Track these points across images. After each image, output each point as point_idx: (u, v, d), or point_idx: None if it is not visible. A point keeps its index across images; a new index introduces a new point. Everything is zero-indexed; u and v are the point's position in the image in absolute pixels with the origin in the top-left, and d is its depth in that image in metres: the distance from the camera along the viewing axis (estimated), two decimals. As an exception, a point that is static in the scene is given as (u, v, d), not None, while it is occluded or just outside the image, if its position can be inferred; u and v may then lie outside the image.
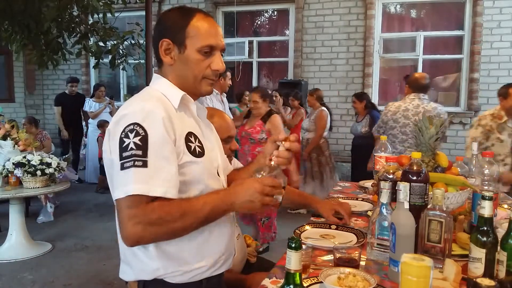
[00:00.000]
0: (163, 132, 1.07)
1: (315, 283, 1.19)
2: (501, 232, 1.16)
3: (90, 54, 5.34)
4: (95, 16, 4.95)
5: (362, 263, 1.34)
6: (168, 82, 1.20)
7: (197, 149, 1.17)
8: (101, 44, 5.21)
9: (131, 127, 1.05)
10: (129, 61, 5.42)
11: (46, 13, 4.64)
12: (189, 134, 1.16)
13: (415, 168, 1.35)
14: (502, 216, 1.67)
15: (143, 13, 5.00)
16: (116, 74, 7.79)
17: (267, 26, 7.35)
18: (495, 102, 5.92)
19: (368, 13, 6.38)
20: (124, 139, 1.04)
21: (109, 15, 4.96)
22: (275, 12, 7.23)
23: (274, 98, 6.31)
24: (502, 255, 1.06)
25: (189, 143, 1.15)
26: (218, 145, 1.37)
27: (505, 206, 1.87)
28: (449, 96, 6.41)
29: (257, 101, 3.82)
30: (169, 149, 1.07)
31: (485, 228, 1.07)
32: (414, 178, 1.33)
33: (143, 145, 1.03)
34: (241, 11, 7.14)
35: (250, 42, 7.00)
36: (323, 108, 5.08)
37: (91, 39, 5.23)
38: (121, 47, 5.17)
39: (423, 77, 3.55)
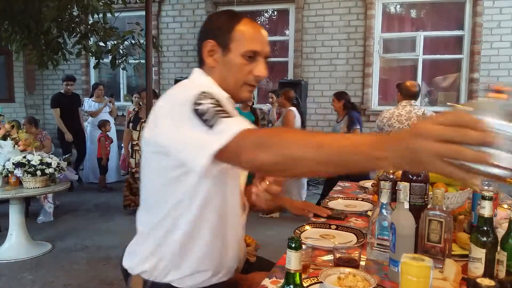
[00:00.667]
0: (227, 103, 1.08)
1: (315, 283, 1.19)
2: (501, 232, 1.16)
3: (90, 54, 5.34)
4: (95, 16, 4.95)
5: (362, 263, 1.34)
6: (213, 81, 1.20)
7: None
8: (101, 44, 5.21)
9: (201, 96, 1.02)
10: (129, 61, 5.42)
11: (46, 13, 4.64)
12: None
13: (415, 168, 1.34)
14: (502, 216, 1.67)
15: (143, 13, 4.99)
16: (116, 74, 7.79)
17: (267, 26, 7.35)
18: (495, 102, 5.95)
19: (368, 13, 6.38)
20: (198, 107, 0.99)
21: (109, 15, 4.96)
22: (275, 12, 7.23)
23: (270, 99, 6.31)
24: (502, 255, 1.06)
25: None
26: None
27: (505, 206, 1.87)
28: (449, 96, 6.41)
29: None
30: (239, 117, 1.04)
31: (485, 228, 1.07)
32: (414, 178, 1.33)
33: (220, 105, 1.00)
34: (241, 11, 7.13)
35: (250, 42, 7.00)
36: (291, 108, 5.05)
37: (91, 39, 5.23)
38: (121, 47, 5.16)
39: (414, 85, 3.93)
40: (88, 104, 6.66)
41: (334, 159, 0.80)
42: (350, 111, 4.85)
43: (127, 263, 1.28)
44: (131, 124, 5.19)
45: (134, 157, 5.16)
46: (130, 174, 5.16)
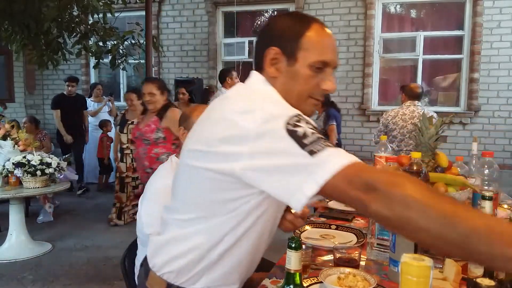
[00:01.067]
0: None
1: (315, 283, 1.19)
2: (501, 232, 1.16)
3: (90, 54, 5.34)
4: (95, 16, 4.96)
5: (362, 263, 1.34)
6: (278, 94, 1.06)
7: None
8: (101, 44, 5.21)
9: (296, 118, 0.89)
10: (129, 61, 5.42)
11: (46, 13, 4.64)
12: None
13: (415, 168, 1.35)
14: (502, 216, 1.67)
15: (143, 13, 5.01)
16: (116, 74, 7.79)
17: (267, 26, 7.35)
18: (495, 102, 5.96)
19: (368, 13, 6.38)
20: (295, 129, 0.87)
21: (109, 15, 4.96)
22: (275, 12, 7.23)
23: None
24: (502, 255, 1.06)
25: None
26: None
27: (505, 206, 1.87)
28: (449, 96, 6.41)
29: (153, 93, 3.31)
30: None
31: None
32: (414, 178, 1.33)
33: (318, 130, 0.89)
34: (241, 11, 7.14)
35: (250, 42, 7.00)
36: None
37: (91, 39, 5.23)
38: (121, 47, 5.17)
39: (417, 87, 4.27)
40: (88, 104, 6.66)
41: (461, 243, 0.69)
42: (329, 108, 5.11)
43: (152, 260, 1.19)
44: (118, 127, 4.96)
45: (124, 161, 4.76)
46: (119, 179, 4.75)
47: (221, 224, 1.05)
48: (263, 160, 0.88)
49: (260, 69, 1.10)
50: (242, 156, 0.90)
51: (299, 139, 0.85)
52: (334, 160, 0.82)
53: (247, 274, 1.20)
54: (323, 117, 5.13)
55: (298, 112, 0.92)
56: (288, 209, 1.19)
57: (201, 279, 1.12)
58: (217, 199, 1.02)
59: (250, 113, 0.92)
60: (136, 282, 1.30)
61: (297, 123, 0.88)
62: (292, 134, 0.86)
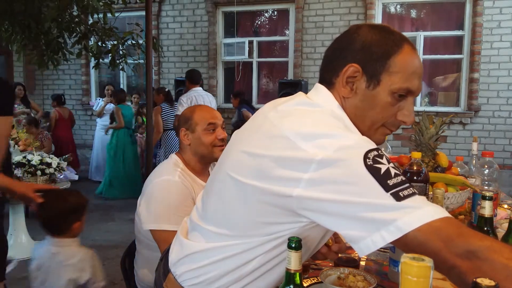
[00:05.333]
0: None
1: (315, 283, 1.19)
2: (501, 232, 1.16)
3: (91, 54, 5.34)
4: (95, 16, 4.96)
5: (362, 263, 1.34)
6: (347, 117, 0.94)
7: None
8: (101, 44, 5.21)
9: (375, 152, 0.78)
10: (129, 61, 5.42)
11: (46, 13, 4.64)
12: None
13: (415, 168, 1.35)
14: (502, 216, 1.67)
15: (143, 13, 5.00)
16: (116, 74, 7.80)
17: (267, 26, 7.35)
18: (495, 102, 5.96)
19: (368, 13, 6.38)
20: (376, 165, 0.76)
21: (109, 15, 4.96)
22: (275, 12, 7.23)
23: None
24: (502, 255, 1.06)
25: None
26: None
27: (505, 206, 1.87)
28: (449, 96, 6.41)
29: None
30: None
31: (485, 228, 1.07)
32: (414, 178, 1.33)
33: (400, 171, 0.80)
34: (241, 11, 7.14)
35: (250, 42, 7.00)
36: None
37: (91, 39, 5.24)
38: (120, 47, 5.17)
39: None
40: (97, 103, 6.76)
41: None
42: (242, 106, 5.69)
43: (175, 264, 1.09)
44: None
45: None
46: None
47: (255, 246, 0.94)
48: (330, 189, 0.77)
49: (328, 83, 0.96)
50: (301, 182, 0.79)
51: (382, 179, 0.75)
52: (427, 209, 0.73)
53: None
54: (237, 114, 5.73)
55: (375, 146, 0.80)
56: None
57: None
58: (258, 221, 0.91)
59: (319, 139, 0.80)
60: (154, 274, 1.25)
61: (378, 159, 0.77)
62: (373, 171, 0.75)
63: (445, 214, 0.75)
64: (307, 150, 0.80)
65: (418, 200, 0.75)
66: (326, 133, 0.81)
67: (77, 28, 5.05)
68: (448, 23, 6.32)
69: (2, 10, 4.57)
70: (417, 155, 1.37)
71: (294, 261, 0.84)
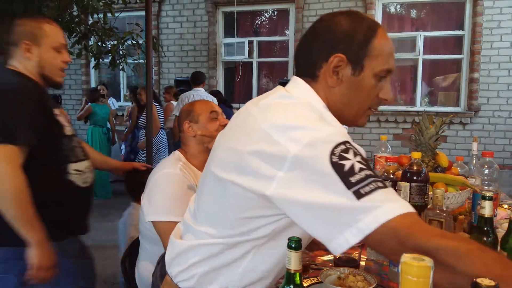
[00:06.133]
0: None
1: (315, 283, 1.19)
2: (501, 232, 1.16)
3: (91, 54, 5.34)
4: (95, 16, 4.96)
5: (362, 263, 1.34)
6: (327, 108, 0.96)
7: None
8: (100, 44, 5.21)
9: (343, 146, 0.78)
10: (128, 61, 5.42)
11: (46, 13, 4.64)
12: None
13: (415, 168, 1.35)
14: (502, 216, 1.67)
15: (143, 13, 5.00)
16: (116, 74, 7.80)
17: (267, 26, 7.36)
18: (495, 102, 5.96)
19: (368, 13, 6.38)
20: (341, 162, 0.76)
21: (109, 15, 4.96)
22: (275, 12, 7.23)
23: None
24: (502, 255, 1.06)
25: None
26: None
27: (505, 206, 1.87)
28: (449, 96, 6.41)
29: None
30: None
31: (485, 228, 1.07)
32: (414, 178, 1.33)
33: (368, 164, 0.79)
34: (241, 11, 7.15)
35: (250, 42, 7.00)
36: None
37: (91, 39, 5.24)
38: (120, 47, 5.17)
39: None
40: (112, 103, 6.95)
41: None
42: (220, 105, 5.68)
43: (170, 265, 1.11)
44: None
45: None
46: None
47: (244, 241, 0.96)
48: (300, 191, 0.78)
49: (311, 76, 0.97)
50: (275, 179, 0.81)
51: (345, 176, 0.75)
52: (385, 207, 0.73)
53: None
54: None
55: (347, 139, 0.81)
56: None
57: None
58: (242, 216, 0.92)
59: (292, 131, 0.82)
60: (151, 278, 1.26)
61: (344, 154, 0.77)
62: (337, 168, 0.76)
63: (404, 210, 0.74)
64: (280, 143, 0.81)
65: (379, 196, 0.74)
66: (299, 125, 0.83)
67: (77, 28, 5.05)
68: (448, 23, 6.32)
69: (2, 10, 4.57)
70: (417, 155, 1.37)
71: (294, 261, 0.84)
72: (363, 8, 6.41)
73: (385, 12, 6.54)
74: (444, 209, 1.25)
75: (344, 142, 0.79)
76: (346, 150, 0.78)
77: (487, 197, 1.07)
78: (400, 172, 1.46)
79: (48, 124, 1.48)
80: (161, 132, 5.66)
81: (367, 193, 0.74)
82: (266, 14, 7.31)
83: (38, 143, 1.43)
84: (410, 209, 0.74)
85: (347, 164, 0.76)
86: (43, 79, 1.56)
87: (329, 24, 0.97)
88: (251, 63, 7.15)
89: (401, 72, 6.72)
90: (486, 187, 1.60)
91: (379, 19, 6.45)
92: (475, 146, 1.95)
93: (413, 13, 6.63)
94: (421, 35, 6.27)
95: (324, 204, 0.76)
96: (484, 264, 0.67)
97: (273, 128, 0.84)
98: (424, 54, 6.31)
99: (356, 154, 0.79)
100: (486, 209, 1.07)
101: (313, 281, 1.19)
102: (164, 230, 1.50)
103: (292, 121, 0.85)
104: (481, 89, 6.01)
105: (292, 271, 0.85)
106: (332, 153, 0.77)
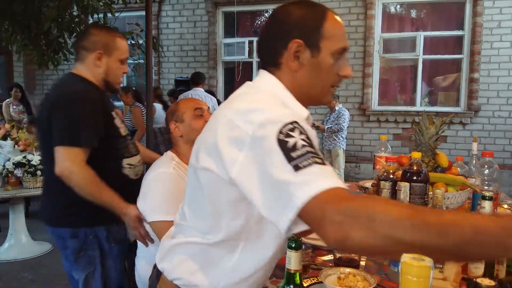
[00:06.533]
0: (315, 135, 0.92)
1: (315, 283, 1.19)
2: (501, 232, 1.16)
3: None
4: (95, 16, 4.96)
5: (362, 263, 1.34)
6: (291, 94, 1.02)
7: None
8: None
9: (290, 126, 0.84)
10: (129, 61, 5.42)
11: (46, 13, 4.64)
12: None
13: (415, 168, 1.35)
14: (502, 216, 1.67)
15: (143, 13, 5.00)
16: (116, 74, 7.80)
17: (267, 26, 7.36)
18: (495, 102, 5.96)
19: (368, 13, 6.38)
20: (286, 139, 0.81)
21: (109, 15, 4.96)
22: (275, 12, 7.23)
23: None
24: (502, 255, 1.06)
25: None
26: None
27: (505, 206, 1.87)
28: (449, 96, 6.41)
29: None
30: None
31: (485, 228, 1.07)
32: (414, 178, 1.33)
33: (311, 143, 0.83)
34: (241, 11, 7.15)
35: (250, 42, 7.00)
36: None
37: (91, 39, 5.24)
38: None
39: None
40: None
41: (453, 251, 0.65)
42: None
43: (160, 264, 1.14)
44: None
45: None
46: None
47: (228, 237, 0.99)
48: (254, 170, 0.83)
49: (275, 65, 1.03)
50: (237, 161, 0.86)
51: (288, 151, 0.79)
52: (316, 182, 0.75)
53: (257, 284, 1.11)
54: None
55: (295, 119, 0.86)
56: None
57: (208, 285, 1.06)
58: (218, 206, 0.97)
59: (249, 114, 0.88)
60: (148, 282, 1.28)
61: (290, 132, 0.82)
62: (282, 144, 0.81)
63: (335, 184, 0.76)
64: (240, 127, 0.87)
65: (314, 170, 0.77)
66: (256, 109, 0.89)
67: (77, 28, 5.05)
68: (448, 23, 6.32)
69: (2, 10, 4.57)
70: (417, 155, 1.37)
71: (294, 261, 0.84)
72: (363, 8, 6.41)
73: (385, 12, 6.54)
74: (444, 209, 1.25)
75: (292, 122, 0.85)
76: (292, 129, 0.83)
77: (487, 197, 1.07)
78: (400, 172, 1.46)
79: (107, 127, 1.70)
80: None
81: (304, 167, 0.77)
82: (266, 14, 7.31)
83: (99, 144, 1.65)
84: (340, 184, 0.76)
85: (291, 141, 0.81)
86: (105, 84, 1.78)
87: (282, 14, 1.03)
88: (251, 63, 7.15)
89: (401, 72, 6.72)
90: (486, 187, 1.60)
91: (379, 19, 6.46)
92: (475, 146, 1.95)
93: (413, 13, 6.63)
94: (421, 35, 6.28)
95: (270, 180, 0.80)
96: (390, 212, 0.69)
97: (234, 114, 0.91)
98: (424, 54, 6.31)
99: (301, 133, 0.83)
100: (486, 209, 1.07)
101: (313, 281, 1.19)
102: (161, 229, 1.49)
103: (250, 106, 0.92)
104: (481, 89, 6.02)
105: (292, 271, 0.85)
106: (280, 132, 0.82)
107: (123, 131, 1.81)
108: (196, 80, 5.22)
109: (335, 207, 0.72)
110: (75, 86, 1.71)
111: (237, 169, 0.86)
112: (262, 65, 1.07)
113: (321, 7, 1.04)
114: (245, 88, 1.04)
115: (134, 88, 5.85)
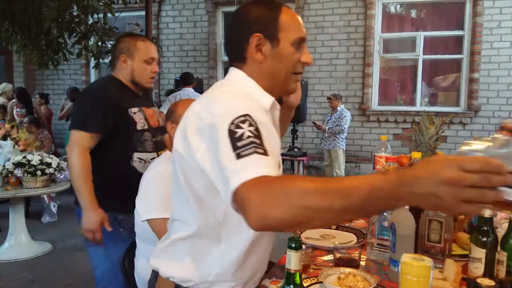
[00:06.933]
0: (272, 125, 0.99)
1: (315, 283, 1.19)
2: (501, 232, 1.16)
3: (91, 54, 5.34)
4: (95, 16, 4.96)
5: (362, 263, 1.34)
6: (256, 84, 1.12)
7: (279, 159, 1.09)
8: (101, 44, 5.22)
9: (242, 118, 0.92)
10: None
11: (46, 13, 4.64)
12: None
13: (415, 168, 1.34)
14: (502, 216, 1.67)
15: (143, 13, 5.02)
16: (116, 74, 7.80)
17: (267, 26, 7.36)
18: (495, 102, 5.96)
19: (368, 13, 6.38)
20: (236, 129, 0.89)
21: (109, 15, 4.97)
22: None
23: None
24: (502, 255, 1.06)
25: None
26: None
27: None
28: (449, 96, 6.41)
29: None
30: (276, 144, 0.99)
31: (485, 228, 1.08)
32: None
33: (259, 135, 0.90)
34: (241, 11, 7.14)
35: (250, 42, 7.00)
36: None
37: (91, 39, 5.24)
38: (121, 47, 5.17)
39: None
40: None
41: (356, 208, 0.75)
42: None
43: (155, 263, 1.20)
44: None
45: None
46: None
47: (211, 227, 1.08)
48: (209, 155, 0.94)
49: (241, 60, 1.12)
50: (200, 148, 0.97)
51: (234, 141, 0.87)
52: (249, 170, 0.82)
53: (257, 271, 1.18)
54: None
55: (248, 113, 0.93)
56: None
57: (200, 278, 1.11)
58: (193, 192, 1.06)
59: (211, 107, 0.98)
60: (147, 285, 1.30)
61: (241, 124, 0.90)
62: (231, 134, 0.89)
63: (260, 172, 0.81)
64: (204, 117, 0.98)
65: (252, 160, 0.83)
66: (217, 100, 1.01)
67: (77, 28, 5.05)
68: (448, 23, 6.32)
69: (2, 10, 4.57)
70: (417, 155, 1.37)
71: (294, 261, 0.84)
72: (363, 8, 6.41)
73: (385, 12, 6.54)
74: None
75: (244, 115, 0.92)
76: (243, 121, 0.91)
77: (487, 197, 1.06)
78: (400, 172, 1.46)
79: (119, 120, 1.86)
80: None
81: (245, 156, 0.84)
82: (266, 14, 7.31)
83: (111, 133, 1.84)
84: (269, 172, 0.82)
85: (239, 132, 0.89)
86: (133, 84, 1.98)
87: (243, 13, 1.13)
88: (251, 63, 7.14)
89: (401, 72, 6.72)
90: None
91: (379, 19, 6.46)
92: (475, 146, 1.95)
93: (413, 13, 6.63)
94: (421, 35, 6.28)
95: (218, 165, 0.89)
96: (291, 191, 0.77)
97: (201, 106, 1.03)
98: (424, 54, 6.31)
99: (251, 125, 0.90)
100: (486, 209, 1.07)
101: (313, 281, 1.19)
102: (160, 227, 1.50)
103: (214, 99, 1.04)
104: (481, 89, 6.01)
105: (292, 271, 0.85)
106: (232, 123, 0.90)
107: (141, 126, 1.94)
108: (186, 80, 5.19)
109: (255, 192, 0.78)
110: (98, 82, 2.04)
111: (200, 155, 0.97)
112: (230, 62, 1.17)
113: (276, 3, 1.13)
114: (216, 85, 1.16)
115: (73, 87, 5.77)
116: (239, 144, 0.86)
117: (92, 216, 1.77)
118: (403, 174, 0.72)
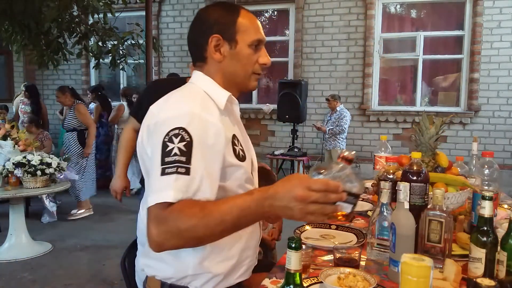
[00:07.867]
0: (209, 137, 1.03)
1: (315, 283, 1.19)
2: (501, 232, 1.16)
3: (91, 54, 5.34)
4: (95, 16, 4.96)
5: (362, 263, 1.34)
6: (213, 82, 1.18)
7: (241, 152, 1.15)
8: (101, 44, 5.22)
9: (176, 131, 0.99)
10: (129, 61, 5.41)
11: (46, 13, 4.64)
12: (234, 137, 1.14)
13: (415, 168, 1.35)
14: (502, 216, 1.67)
15: (143, 13, 5.01)
16: (116, 74, 7.80)
17: (267, 26, 7.36)
18: (495, 102, 5.96)
19: (368, 13, 6.38)
20: (168, 143, 0.98)
21: (109, 15, 4.97)
22: (275, 12, 7.23)
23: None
24: (502, 255, 1.06)
25: (234, 146, 1.12)
26: (250, 144, 1.33)
27: (505, 206, 1.87)
28: (449, 96, 6.41)
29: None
30: (213, 157, 1.04)
31: (485, 228, 1.07)
32: (414, 178, 1.33)
33: (188, 151, 0.97)
34: (241, 11, 7.14)
35: (250, 42, 7.00)
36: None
37: (91, 39, 5.24)
38: (120, 47, 5.17)
39: None
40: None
41: (232, 227, 0.96)
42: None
43: (140, 262, 1.25)
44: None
45: None
46: None
47: None
48: (152, 155, 1.03)
49: (202, 60, 1.19)
50: (148, 147, 1.08)
51: (164, 155, 0.97)
52: (162, 193, 0.94)
53: (244, 259, 1.23)
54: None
55: (184, 126, 1.00)
56: None
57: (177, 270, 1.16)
58: None
59: (161, 110, 1.08)
60: (142, 286, 1.31)
61: (174, 138, 0.98)
62: (163, 147, 0.98)
63: (168, 199, 0.93)
64: (153, 118, 1.07)
65: (169, 181, 0.95)
66: (169, 102, 1.11)
67: (77, 28, 5.05)
68: (448, 23, 6.32)
69: (2, 10, 4.57)
70: (417, 155, 1.37)
71: (294, 261, 0.84)
72: (363, 8, 6.41)
73: (385, 12, 6.54)
74: (444, 209, 1.24)
75: (179, 128, 1.00)
76: (176, 135, 0.99)
77: (487, 197, 1.07)
78: (400, 172, 1.46)
79: None
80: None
81: (167, 174, 0.95)
82: (266, 14, 7.31)
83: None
84: (176, 198, 0.94)
85: (170, 147, 0.98)
86: None
87: (203, 15, 1.19)
88: (251, 63, 7.14)
89: (401, 72, 6.72)
90: (486, 187, 1.60)
91: (379, 19, 6.46)
92: (475, 146, 1.95)
93: (413, 13, 6.63)
94: (421, 35, 6.28)
95: (151, 173, 1.01)
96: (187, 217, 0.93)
97: (156, 107, 1.12)
98: (424, 54, 6.31)
99: (182, 140, 0.99)
100: (486, 209, 1.07)
101: (313, 281, 1.19)
102: None
103: (167, 98, 1.13)
104: (481, 89, 6.01)
105: (292, 271, 0.85)
106: (167, 134, 0.99)
107: None
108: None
109: (154, 224, 0.93)
110: (162, 79, 2.45)
111: (149, 152, 1.07)
112: (193, 61, 1.23)
113: (235, 6, 1.20)
114: (177, 91, 1.20)
115: (70, 87, 5.21)
116: (167, 159, 0.97)
117: (119, 181, 2.37)
118: (267, 190, 0.92)
